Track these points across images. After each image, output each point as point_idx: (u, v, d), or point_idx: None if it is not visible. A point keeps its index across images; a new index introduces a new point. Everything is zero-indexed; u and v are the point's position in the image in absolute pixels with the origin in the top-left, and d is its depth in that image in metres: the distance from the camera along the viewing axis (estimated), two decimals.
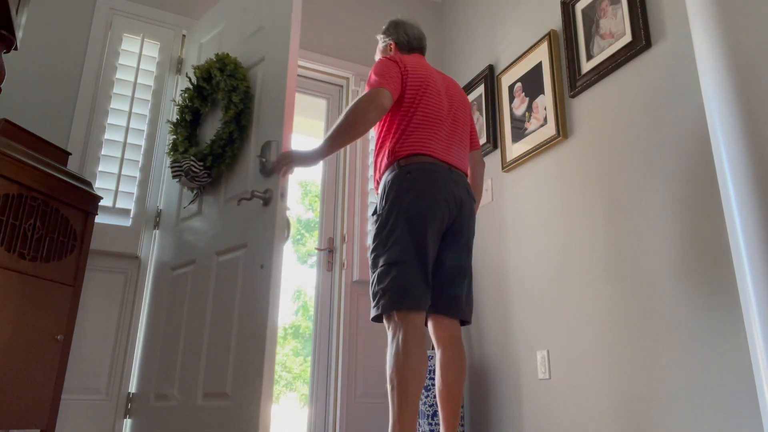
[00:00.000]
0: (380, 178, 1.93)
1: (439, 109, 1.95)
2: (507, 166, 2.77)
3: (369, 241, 1.95)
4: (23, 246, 1.88)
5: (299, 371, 18.46)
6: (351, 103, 1.83)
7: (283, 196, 1.95)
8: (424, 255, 1.77)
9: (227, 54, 2.34)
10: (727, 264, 1.69)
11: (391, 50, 2.18)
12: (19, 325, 1.85)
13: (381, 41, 2.22)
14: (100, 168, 2.51)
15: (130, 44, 2.75)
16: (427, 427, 2.57)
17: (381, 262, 1.79)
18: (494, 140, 2.94)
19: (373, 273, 1.82)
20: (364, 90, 1.96)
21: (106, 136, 2.56)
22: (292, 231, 2.27)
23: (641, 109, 2.10)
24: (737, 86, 1.39)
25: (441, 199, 1.82)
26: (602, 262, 2.17)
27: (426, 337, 1.75)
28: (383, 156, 1.92)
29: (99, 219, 2.38)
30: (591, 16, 2.40)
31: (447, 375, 1.83)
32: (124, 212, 2.51)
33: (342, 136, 1.82)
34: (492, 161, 2.95)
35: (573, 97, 2.45)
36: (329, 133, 1.84)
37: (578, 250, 2.29)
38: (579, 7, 2.47)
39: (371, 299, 1.82)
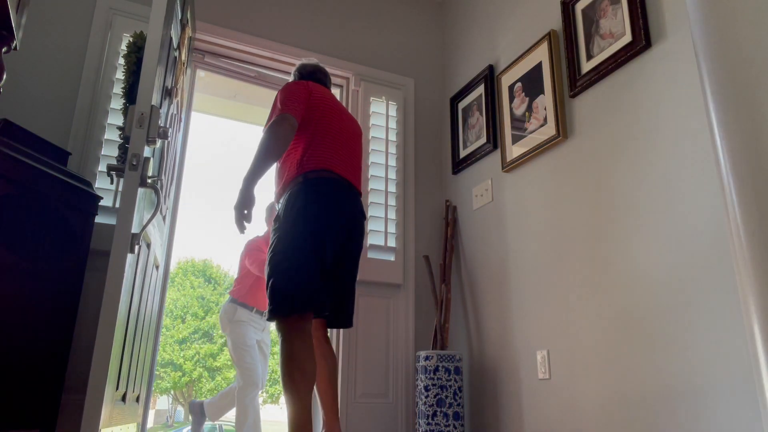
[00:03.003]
0: (284, 188, 2.04)
1: (339, 132, 2.14)
2: (507, 166, 2.77)
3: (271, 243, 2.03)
4: (23, 246, 1.88)
5: None
6: (263, 133, 1.99)
7: (136, 165, 1.71)
8: (324, 262, 1.94)
9: (138, 32, 2.31)
10: (727, 264, 1.69)
11: None
12: (19, 325, 1.85)
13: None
14: (100, 168, 2.51)
15: None
16: (426, 427, 2.57)
17: (285, 266, 1.89)
18: (494, 140, 2.94)
19: (273, 275, 1.90)
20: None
21: (106, 136, 2.56)
22: (163, 206, 2.13)
23: (641, 109, 2.10)
24: (737, 85, 1.39)
25: (342, 213, 2.01)
26: (602, 262, 2.17)
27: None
28: (289, 167, 2.05)
29: (99, 219, 2.38)
30: (591, 16, 2.40)
31: (329, 367, 2.08)
32: None
33: (263, 159, 1.93)
34: (492, 161, 2.95)
35: (573, 97, 2.44)
36: (252, 163, 1.94)
37: (578, 250, 2.29)
38: (579, 7, 2.47)
39: (269, 299, 1.90)
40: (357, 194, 2.14)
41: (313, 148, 2.04)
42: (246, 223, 1.93)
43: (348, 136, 2.17)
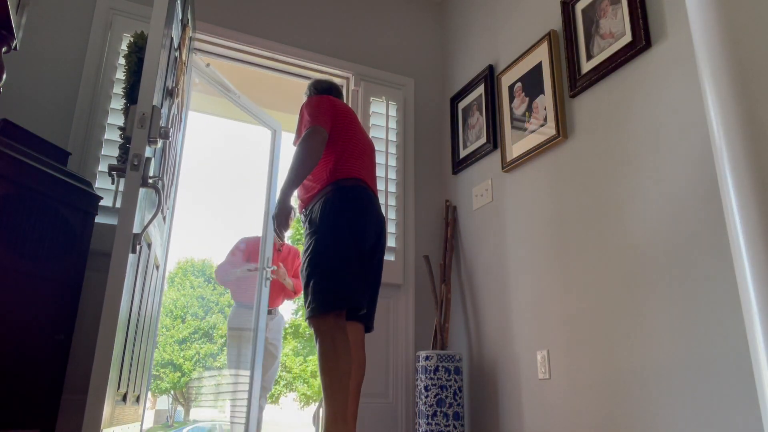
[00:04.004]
0: (316, 194, 2.12)
1: (364, 145, 2.26)
2: (507, 166, 2.77)
3: (302, 249, 2.13)
4: (23, 246, 1.88)
5: (299, 371, 18.47)
6: (298, 144, 2.08)
7: (137, 165, 1.71)
8: (362, 264, 2.03)
9: (139, 32, 2.32)
10: (727, 264, 1.69)
11: None
12: (19, 325, 1.85)
13: (304, 99, 2.51)
14: (100, 168, 2.51)
15: None
16: (426, 427, 2.57)
17: (328, 265, 1.96)
18: (494, 140, 2.94)
19: (314, 274, 1.97)
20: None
21: (106, 136, 2.56)
22: (164, 206, 2.16)
23: (641, 109, 2.10)
24: (737, 86, 1.39)
25: (373, 220, 2.11)
26: (602, 261, 2.17)
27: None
28: (320, 175, 2.13)
29: (99, 219, 2.38)
30: (591, 15, 2.40)
31: (360, 374, 2.11)
32: None
33: (300, 170, 2.02)
34: (492, 161, 2.95)
35: (573, 97, 2.45)
36: (288, 174, 2.03)
37: (578, 250, 2.29)
38: (579, 7, 2.47)
39: (311, 298, 1.94)
40: (378, 201, 2.26)
41: (344, 159, 2.14)
42: (285, 232, 2.05)
43: (368, 150, 2.27)
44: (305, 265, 2.02)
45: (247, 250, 3.69)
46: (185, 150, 2.91)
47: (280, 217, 2.03)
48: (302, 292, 2.06)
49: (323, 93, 2.42)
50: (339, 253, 1.98)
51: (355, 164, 2.16)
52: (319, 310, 1.92)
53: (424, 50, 3.64)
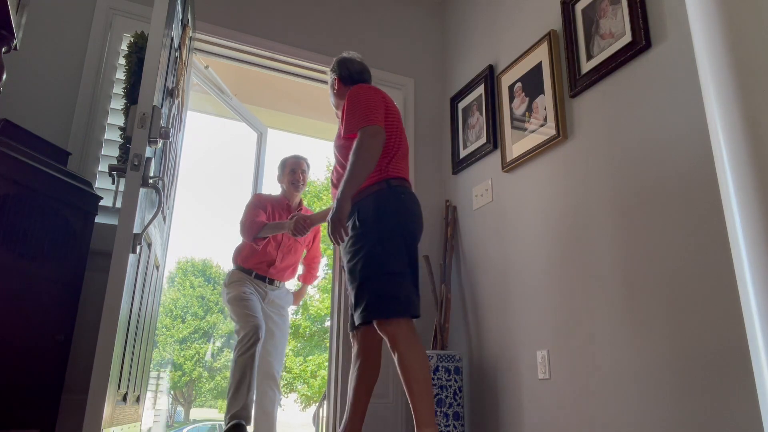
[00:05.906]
0: (364, 190, 2.03)
1: (406, 143, 2.20)
2: (507, 166, 2.77)
3: (348, 246, 2.02)
4: (23, 246, 1.88)
5: (299, 371, 18.48)
6: (357, 144, 1.96)
7: (137, 165, 1.72)
8: (413, 268, 2.00)
9: (139, 32, 2.33)
10: (730, 265, 1.69)
11: (335, 85, 2.36)
12: (19, 325, 1.85)
13: (329, 77, 2.42)
14: (100, 168, 2.51)
15: None
16: None
17: (386, 269, 1.92)
18: (494, 140, 2.94)
19: (376, 277, 1.92)
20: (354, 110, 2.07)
21: (106, 136, 2.56)
22: (164, 206, 2.10)
23: (641, 110, 2.10)
24: (737, 86, 1.39)
25: (420, 222, 2.10)
26: (602, 261, 2.17)
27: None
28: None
29: (99, 219, 2.38)
30: (591, 16, 2.40)
31: (373, 375, 2.08)
32: None
33: (362, 173, 1.94)
34: (492, 161, 2.95)
35: (573, 97, 2.44)
36: (347, 177, 1.93)
37: (578, 250, 2.29)
38: (579, 7, 2.47)
39: (375, 301, 1.90)
40: None
41: (396, 158, 2.10)
42: (344, 236, 1.94)
43: (407, 148, 2.23)
44: (359, 265, 1.94)
45: (270, 208, 3.07)
46: (192, 149, 2.89)
47: (340, 222, 1.91)
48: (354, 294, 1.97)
49: (357, 77, 2.33)
50: (397, 257, 1.94)
51: (403, 165, 2.12)
52: (388, 315, 1.89)
53: (424, 50, 3.64)
